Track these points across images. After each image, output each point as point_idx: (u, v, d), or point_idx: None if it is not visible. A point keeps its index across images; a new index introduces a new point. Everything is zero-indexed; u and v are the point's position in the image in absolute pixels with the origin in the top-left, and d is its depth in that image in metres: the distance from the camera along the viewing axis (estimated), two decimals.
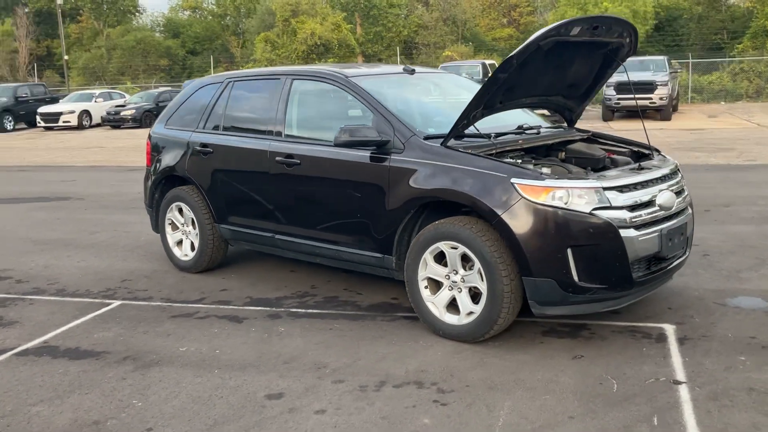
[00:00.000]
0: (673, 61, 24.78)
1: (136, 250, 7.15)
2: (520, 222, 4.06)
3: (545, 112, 5.88)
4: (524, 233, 4.06)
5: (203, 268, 6.15)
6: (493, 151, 4.52)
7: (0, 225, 8.76)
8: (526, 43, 4.19)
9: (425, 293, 4.52)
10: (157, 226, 6.48)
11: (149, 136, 6.57)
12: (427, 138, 4.59)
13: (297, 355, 4.29)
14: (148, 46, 43.13)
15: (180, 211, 6.21)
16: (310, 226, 5.22)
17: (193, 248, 6.18)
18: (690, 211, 4.74)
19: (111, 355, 4.42)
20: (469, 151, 4.42)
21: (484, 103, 4.46)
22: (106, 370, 4.18)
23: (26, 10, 51.02)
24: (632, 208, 4.17)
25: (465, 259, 4.33)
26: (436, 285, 4.50)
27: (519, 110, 5.52)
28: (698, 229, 6.97)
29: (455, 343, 4.38)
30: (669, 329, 4.51)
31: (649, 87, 20.74)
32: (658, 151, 5.17)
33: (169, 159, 6.24)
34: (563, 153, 5.00)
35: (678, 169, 4.82)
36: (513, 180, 4.10)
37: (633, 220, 4.14)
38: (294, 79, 5.45)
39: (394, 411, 3.54)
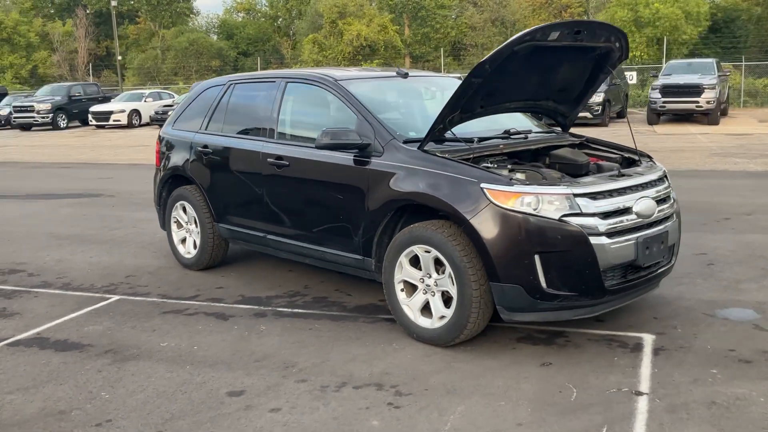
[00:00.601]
0: (724, 64, 24.11)
1: (148, 246, 7.36)
2: (487, 227, 4.06)
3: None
4: (491, 238, 4.05)
5: (204, 266, 6.30)
6: (470, 156, 4.52)
7: (29, 220, 9.12)
8: (499, 47, 4.18)
9: (401, 296, 4.55)
10: (164, 223, 6.66)
11: (159, 137, 6.76)
12: (406, 142, 4.61)
13: (270, 354, 4.37)
14: (200, 47, 44.09)
15: (184, 209, 6.36)
16: (297, 226, 5.30)
17: (195, 246, 6.33)
18: (675, 219, 4.65)
19: (95, 348, 4.57)
20: (446, 155, 4.43)
21: (461, 108, 4.46)
22: (85, 363, 4.33)
23: (87, 11, 52.74)
24: (605, 215, 4.12)
25: (438, 263, 4.34)
26: (411, 288, 4.53)
27: (519, 114, 5.51)
28: (711, 238, 6.83)
29: (428, 346, 4.39)
30: (648, 339, 4.43)
31: (695, 90, 20.24)
32: (649, 157, 5.08)
33: (174, 159, 6.41)
34: (549, 158, 4.96)
35: (665, 177, 4.73)
36: (483, 185, 4.10)
37: (605, 227, 4.09)
38: (288, 82, 5.54)
39: (346, 412, 3.58)
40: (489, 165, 4.51)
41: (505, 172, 4.34)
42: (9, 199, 11.04)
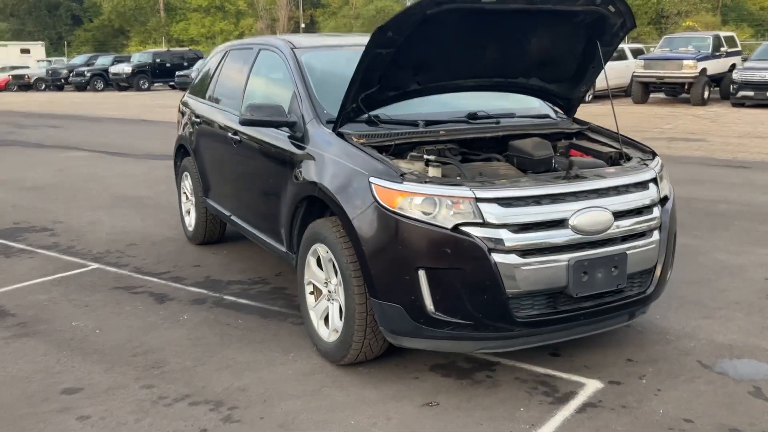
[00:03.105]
0: None
1: None
2: (368, 231, 3.34)
3: None
4: (370, 245, 3.32)
5: (201, 241, 6.06)
6: (392, 143, 3.75)
7: (116, 179, 9.47)
8: (403, 10, 3.37)
9: (310, 299, 3.95)
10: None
11: (180, 104, 6.58)
12: (330, 122, 3.95)
13: (155, 349, 3.99)
14: (386, 15, 44.38)
15: (189, 181, 6.15)
16: (248, 209, 4.87)
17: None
18: (655, 237, 3.56)
19: (13, 318, 4.48)
20: (362, 141, 3.71)
21: (379, 84, 3.70)
22: None
23: None
24: (521, 227, 3.21)
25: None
26: (319, 292, 3.91)
27: (524, 96, 4.57)
28: None
29: (321, 362, 3.78)
30: (589, 388, 3.46)
31: None
32: (653, 154, 3.98)
33: (182, 128, 6.21)
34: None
35: (652, 182, 3.63)
36: (371, 179, 3.36)
37: (516, 242, 3.18)
38: (261, 50, 5.05)
39: None
40: (415, 155, 3.73)
41: (414, 165, 3.56)
42: (123, 157, 11.64)
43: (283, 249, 4.29)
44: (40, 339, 4.15)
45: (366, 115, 3.81)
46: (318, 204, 3.90)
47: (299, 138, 4.04)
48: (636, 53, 22.31)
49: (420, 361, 3.75)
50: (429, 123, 4.00)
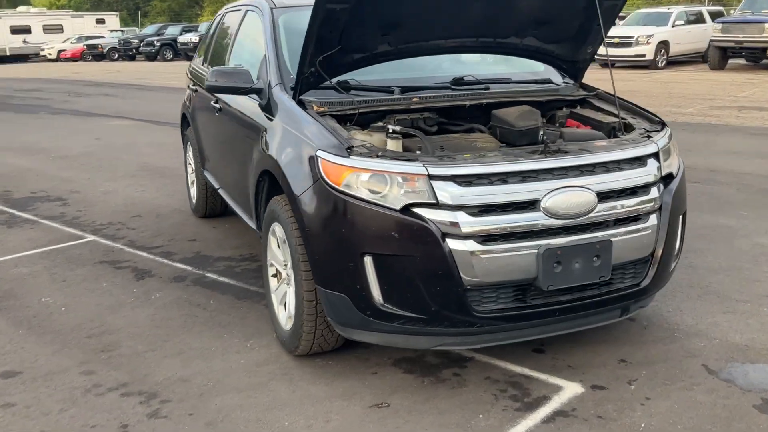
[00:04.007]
0: None
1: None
2: (311, 210, 2.99)
3: None
4: (313, 227, 2.97)
5: (202, 214, 5.83)
6: (356, 111, 3.36)
7: (148, 149, 9.39)
8: None
9: (272, 282, 3.64)
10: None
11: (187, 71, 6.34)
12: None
13: (114, 330, 3.77)
14: None
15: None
16: (229, 181, 4.59)
17: None
18: (653, 222, 3.06)
19: None
20: (322, 110, 3.34)
21: (341, 46, 3.29)
22: None
23: None
24: (482, 209, 2.79)
25: None
26: (280, 275, 3.59)
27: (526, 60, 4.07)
28: None
29: (279, 351, 3.47)
30: (566, 393, 3.03)
31: None
32: (663, 124, 3.46)
33: (185, 96, 5.97)
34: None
35: (648, 159, 3.11)
36: (318, 153, 2.99)
37: (475, 226, 2.77)
38: (248, 11, 4.71)
39: (63, 428, 2.87)
40: (378, 125, 3.33)
41: (373, 138, 3.17)
42: (164, 126, 11.59)
43: (253, 227, 3.99)
44: (2, 316, 4.00)
45: (328, 81, 3.42)
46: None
47: (266, 106, 3.70)
48: (715, 16, 20.85)
49: (385, 354, 3.39)
50: (406, 89, 3.59)
